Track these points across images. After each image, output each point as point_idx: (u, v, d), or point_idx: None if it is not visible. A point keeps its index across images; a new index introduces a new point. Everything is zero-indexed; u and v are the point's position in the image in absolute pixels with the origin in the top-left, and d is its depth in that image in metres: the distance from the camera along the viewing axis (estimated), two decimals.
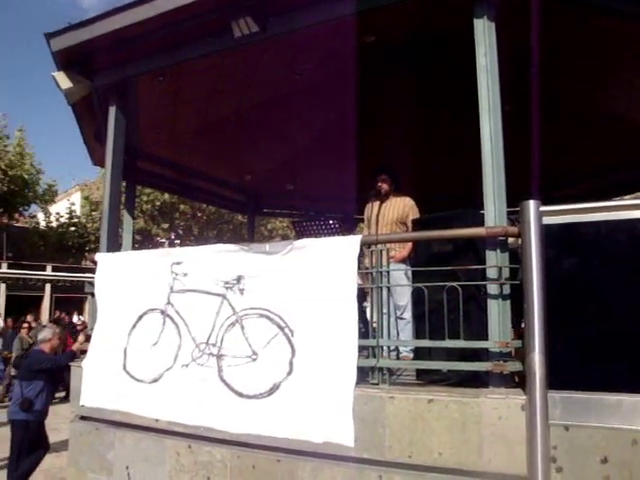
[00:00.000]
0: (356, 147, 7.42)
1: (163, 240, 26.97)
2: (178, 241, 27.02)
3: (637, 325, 2.91)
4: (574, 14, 4.43)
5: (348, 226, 5.76)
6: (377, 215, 5.18)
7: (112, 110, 5.27)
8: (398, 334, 4.76)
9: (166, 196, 24.84)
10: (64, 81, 5.19)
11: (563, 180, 8.29)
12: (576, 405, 2.95)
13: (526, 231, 3.12)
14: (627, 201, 3.16)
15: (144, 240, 25.41)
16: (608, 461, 2.84)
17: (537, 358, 2.99)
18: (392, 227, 5.11)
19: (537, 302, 3.02)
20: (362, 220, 5.81)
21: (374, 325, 3.80)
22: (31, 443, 5.74)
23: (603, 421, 2.88)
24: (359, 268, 3.68)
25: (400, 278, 4.68)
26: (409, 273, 4.62)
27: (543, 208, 3.13)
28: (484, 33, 3.60)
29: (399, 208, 5.12)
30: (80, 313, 29.80)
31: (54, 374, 6.13)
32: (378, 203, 5.25)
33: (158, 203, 25.56)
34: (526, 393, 3.04)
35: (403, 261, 4.88)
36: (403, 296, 4.69)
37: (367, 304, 5.00)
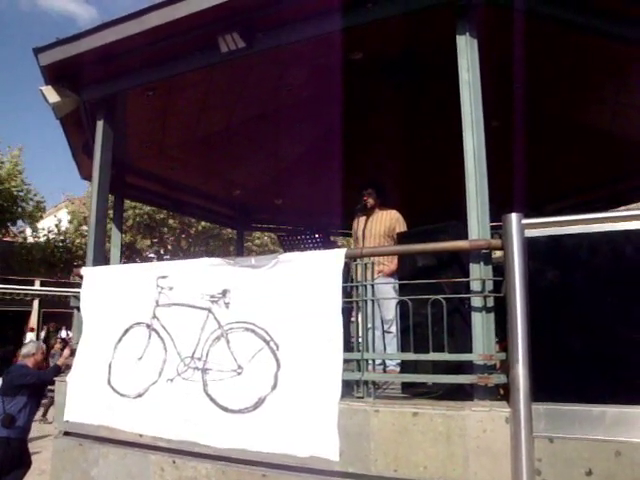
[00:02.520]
0: (344, 162, 7.47)
1: (152, 255, 26.84)
2: (167, 256, 26.90)
3: (619, 336, 2.94)
4: (557, 32, 4.51)
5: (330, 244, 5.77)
6: (363, 230, 5.21)
7: (100, 124, 5.27)
8: (385, 348, 4.75)
9: (148, 209, 24.68)
10: (52, 95, 5.19)
11: (555, 194, 8.39)
12: (560, 417, 2.96)
13: (509, 243, 3.14)
14: (609, 213, 3.19)
15: (132, 254, 25.27)
16: (593, 473, 2.83)
17: (521, 370, 3.00)
18: (379, 241, 5.13)
19: (520, 314, 3.03)
20: (348, 235, 5.83)
21: (359, 339, 3.80)
22: (12, 460, 5.64)
23: (587, 433, 2.88)
24: (345, 282, 3.69)
25: (388, 292, 4.68)
26: (397, 287, 4.63)
27: (525, 221, 3.16)
28: (466, 49, 3.65)
29: (385, 221, 5.16)
30: (68, 328, 29.47)
31: (37, 389, 6.04)
32: (364, 218, 5.28)
33: (139, 219, 25.44)
34: (510, 405, 3.05)
35: (392, 275, 4.88)
36: (390, 310, 4.69)
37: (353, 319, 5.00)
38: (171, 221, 26.00)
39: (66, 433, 4.70)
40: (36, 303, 31.21)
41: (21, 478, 5.83)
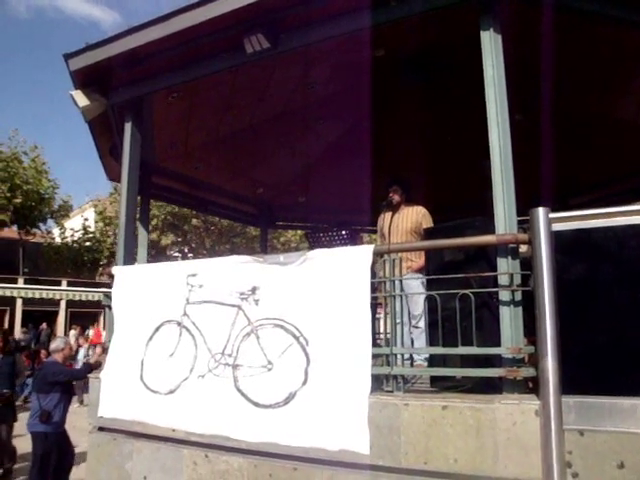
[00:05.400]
0: (368, 159, 7.49)
1: (177, 254, 27.17)
2: (191, 254, 27.22)
3: None
4: (581, 24, 4.48)
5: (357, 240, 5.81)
6: (389, 226, 5.22)
7: (128, 126, 5.38)
8: (413, 343, 4.78)
9: (175, 208, 25.02)
10: (81, 99, 5.31)
11: (579, 187, 8.32)
12: (590, 410, 2.97)
13: (536, 238, 3.16)
14: (636, 206, 3.18)
15: (157, 253, 25.62)
16: (624, 466, 2.84)
17: (550, 363, 3.02)
18: (406, 237, 5.14)
19: (548, 307, 3.05)
20: (373, 231, 5.85)
21: (388, 335, 3.84)
22: (52, 452, 5.81)
23: (618, 426, 2.89)
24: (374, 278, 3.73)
25: (417, 287, 4.70)
26: (425, 282, 4.64)
27: (552, 215, 3.17)
28: (491, 45, 3.65)
29: (412, 217, 5.16)
30: None
31: (69, 386, 6.20)
32: (390, 214, 5.29)
33: (168, 217, 25.81)
34: (540, 398, 3.06)
35: (420, 271, 4.90)
36: (419, 305, 4.71)
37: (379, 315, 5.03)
38: (194, 220, 26.26)
39: (100, 428, 4.82)
40: (63, 303, 31.82)
41: (72, 463, 6.01)
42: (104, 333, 6.63)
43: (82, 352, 14.88)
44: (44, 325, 24.17)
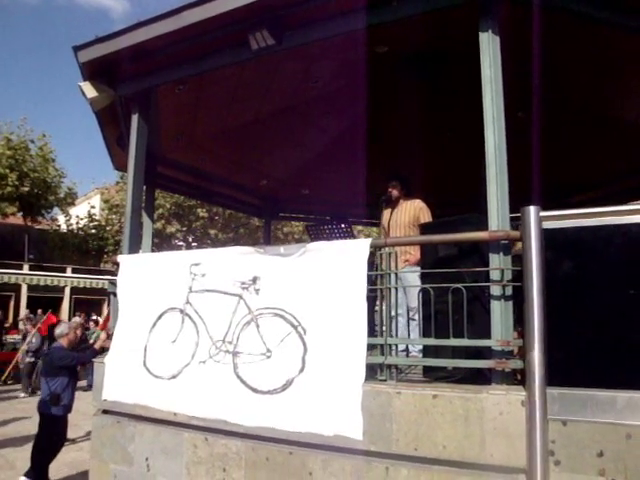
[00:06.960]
0: (369, 153, 7.59)
1: (181, 243, 27.35)
2: (195, 244, 27.42)
3: (629, 324, 3.05)
4: (579, 25, 4.56)
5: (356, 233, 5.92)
6: (389, 221, 5.36)
7: (135, 118, 5.50)
8: (409, 335, 4.91)
9: (181, 198, 25.21)
10: (90, 90, 5.42)
11: (576, 187, 8.40)
12: (573, 401, 3.08)
13: (527, 235, 3.27)
14: (625, 206, 3.28)
15: (161, 242, 25.82)
16: (604, 455, 2.96)
17: (536, 356, 3.14)
18: (404, 230, 5.26)
19: (537, 302, 3.16)
20: (374, 224, 5.94)
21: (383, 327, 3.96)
22: (55, 436, 5.97)
23: (599, 416, 3.01)
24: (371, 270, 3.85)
25: (414, 280, 4.81)
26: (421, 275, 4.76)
27: (543, 213, 3.28)
28: (489, 46, 3.74)
29: (409, 211, 5.29)
30: (99, 314, 30.26)
31: (75, 370, 6.36)
32: (390, 209, 5.42)
33: (173, 207, 26.00)
34: (526, 389, 3.18)
35: (418, 264, 5.01)
36: (415, 298, 4.82)
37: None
38: (199, 210, 26.41)
39: (104, 411, 4.97)
40: (68, 289, 32.04)
41: (58, 452, 6.18)
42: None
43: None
44: (39, 312, 24.32)
